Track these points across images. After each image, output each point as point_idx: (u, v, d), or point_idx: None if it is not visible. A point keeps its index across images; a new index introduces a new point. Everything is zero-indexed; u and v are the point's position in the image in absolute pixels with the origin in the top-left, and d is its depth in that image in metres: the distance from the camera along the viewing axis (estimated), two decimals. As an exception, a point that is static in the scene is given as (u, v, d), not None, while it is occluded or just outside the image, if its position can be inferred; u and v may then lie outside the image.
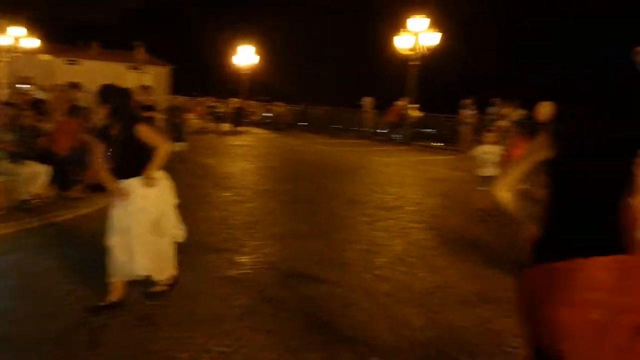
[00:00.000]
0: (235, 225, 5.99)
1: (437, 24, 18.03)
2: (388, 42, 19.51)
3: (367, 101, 21.64)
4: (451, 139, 17.92)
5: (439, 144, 18.75)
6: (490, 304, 3.95)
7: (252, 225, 5.98)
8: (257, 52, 27.92)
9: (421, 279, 4.49)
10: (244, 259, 4.79)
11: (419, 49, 18.17)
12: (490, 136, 7.00)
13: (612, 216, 1.97)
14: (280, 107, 25.16)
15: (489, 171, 6.27)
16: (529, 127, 6.47)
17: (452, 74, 27.04)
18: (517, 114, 13.90)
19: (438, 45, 18.26)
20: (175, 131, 9.08)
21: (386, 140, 19.53)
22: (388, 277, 4.51)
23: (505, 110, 14.63)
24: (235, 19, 38.63)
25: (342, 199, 7.88)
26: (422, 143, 18.84)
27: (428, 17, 17.91)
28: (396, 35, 18.68)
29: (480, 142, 7.17)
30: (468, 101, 16.96)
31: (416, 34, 18.10)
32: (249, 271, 4.48)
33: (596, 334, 1.88)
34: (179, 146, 8.59)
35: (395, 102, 19.52)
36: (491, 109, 15.86)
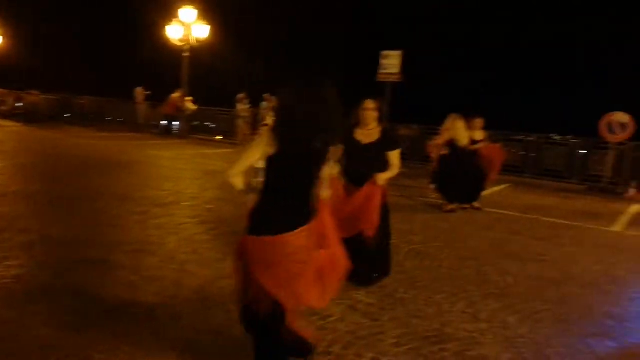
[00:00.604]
0: (-29, 235, 5.01)
1: (206, 16, 17.91)
2: (160, 31, 18.72)
3: (139, 92, 20.45)
4: (229, 133, 18.14)
5: (217, 137, 18.80)
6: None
7: (-6, 235, 5.08)
8: (1, 32, 23.99)
9: (192, 274, 4.39)
10: (-20, 275, 4.03)
11: (190, 40, 17.85)
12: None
13: (307, 197, 2.66)
14: (34, 96, 22.03)
15: (263, 163, 6.47)
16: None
17: (226, 68, 27.27)
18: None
19: (209, 38, 18.18)
20: None
21: (162, 133, 18.81)
22: (158, 276, 4.30)
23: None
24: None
25: (112, 197, 7.28)
26: (200, 136, 18.66)
27: (196, 8, 17.65)
28: (168, 24, 18.06)
29: (255, 136, 7.39)
30: (241, 96, 17.36)
31: (187, 25, 17.74)
32: (-13, 289, 3.79)
33: (297, 282, 2.58)
34: None
35: (171, 95, 18.91)
36: (263, 104, 16.50)
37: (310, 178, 2.67)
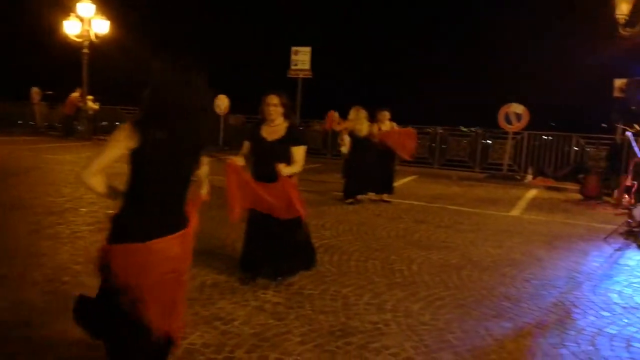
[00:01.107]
0: None
1: (105, 11, 16.90)
2: (57, 26, 17.43)
3: (35, 92, 19.02)
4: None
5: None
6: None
7: None
8: None
9: (87, 286, 4.08)
10: None
11: (90, 36, 16.79)
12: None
13: (181, 200, 2.41)
14: None
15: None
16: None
17: (131, 65, 25.96)
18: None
19: (110, 34, 17.18)
20: None
21: (62, 135, 17.62)
22: (48, 290, 3.98)
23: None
24: None
25: (2, 206, 6.68)
26: (105, 137, 17.67)
27: (94, 2, 16.59)
28: (66, 19, 16.86)
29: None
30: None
31: (86, 20, 16.66)
32: None
33: (169, 291, 2.36)
34: None
35: (71, 94, 17.71)
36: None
37: (183, 175, 2.39)
